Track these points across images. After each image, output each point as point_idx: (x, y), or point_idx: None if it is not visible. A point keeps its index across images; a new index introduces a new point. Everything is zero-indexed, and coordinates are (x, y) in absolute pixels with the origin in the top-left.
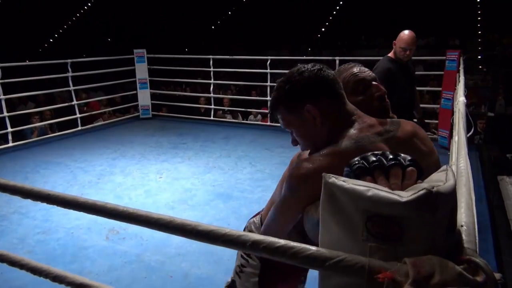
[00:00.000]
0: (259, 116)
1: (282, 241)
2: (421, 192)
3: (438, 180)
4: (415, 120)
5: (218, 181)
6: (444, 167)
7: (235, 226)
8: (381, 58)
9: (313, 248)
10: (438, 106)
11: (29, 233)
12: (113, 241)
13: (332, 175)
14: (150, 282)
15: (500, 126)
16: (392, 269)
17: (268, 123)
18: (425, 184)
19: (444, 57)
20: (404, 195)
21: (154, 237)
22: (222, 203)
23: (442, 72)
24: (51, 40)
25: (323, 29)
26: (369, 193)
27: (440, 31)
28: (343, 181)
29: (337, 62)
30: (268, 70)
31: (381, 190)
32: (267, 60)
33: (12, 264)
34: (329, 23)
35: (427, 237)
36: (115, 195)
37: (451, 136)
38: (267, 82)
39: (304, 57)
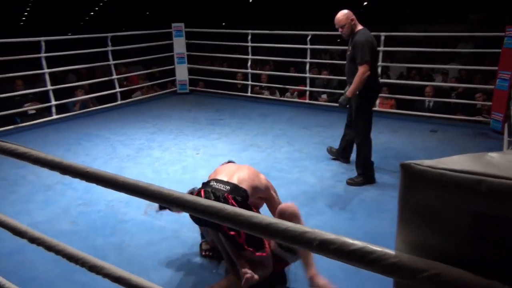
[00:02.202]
0: (296, 94)
1: (358, 243)
2: None
3: None
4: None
5: (255, 160)
6: None
7: None
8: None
9: (401, 255)
10: (493, 87)
11: (71, 204)
12: (151, 216)
13: (417, 162)
14: (187, 259)
15: None
16: None
17: (307, 101)
18: None
19: (502, 34)
20: None
21: None
22: None
23: (497, 50)
24: (91, 13)
25: (365, 3)
26: (483, 187)
27: (492, 6)
28: (440, 168)
29: (382, 38)
30: (308, 46)
31: (501, 179)
32: (307, 35)
33: (49, 249)
34: None
35: None
36: (153, 170)
37: (506, 119)
38: (306, 59)
39: None
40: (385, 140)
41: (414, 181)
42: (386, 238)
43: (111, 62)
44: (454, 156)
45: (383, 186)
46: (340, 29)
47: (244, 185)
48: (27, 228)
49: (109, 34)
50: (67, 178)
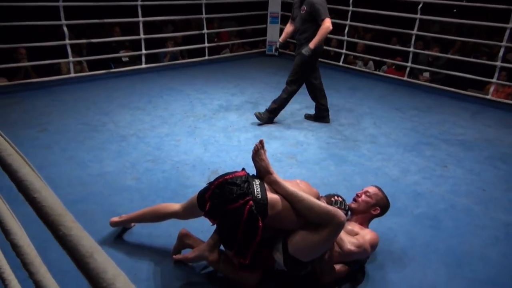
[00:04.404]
0: (385, 67)
1: None
2: None
3: None
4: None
5: (334, 139)
6: None
7: (344, 195)
8: None
9: None
10: None
11: (140, 159)
12: None
13: None
14: None
15: None
16: None
17: (404, 78)
18: None
19: None
20: None
21: None
22: (333, 166)
23: None
24: None
25: None
26: None
27: None
28: None
29: None
30: (418, 16)
31: None
32: (418, 3)
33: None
34: None
35: None
36: (225, 135)
37: None
38: (413, 30)
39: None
40: (492, 136)
41: None
42: (474, 261)
43: (204, 15)
44: None
45: (480, 194)
46: None
47: (271, 211)
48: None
49: None
50: (143, 131)
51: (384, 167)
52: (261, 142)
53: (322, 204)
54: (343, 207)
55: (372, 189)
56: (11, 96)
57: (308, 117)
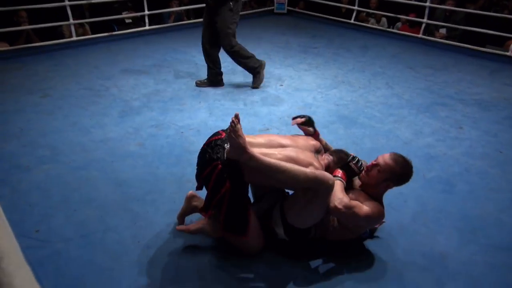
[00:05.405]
0: (399, 24)
1: None
2: None
3: None
4: None
5: (344, 100)
6: None
7: None
8: None
9: None
10: None
11: (144, 124)
12: None
13: None
14: None
15: None
16: None
17: (419, 35)
18: None
19: None
20: None
21: None
22: (343, 128)
23: None
24: None
25: None
26: None
27: None
28: None
29: None
30: None
31: None
32: None
33: None
34: None
35: None
36: (231, 98)
37: None
38: None
39: None
40: (511, 95)
41: None
42: (488, 226)
43: None
44: None
45: (497, 157)
46: None
47: (246, 165)
48: None
49: None
50: (146, 95)
51: (396, 129)
52: (236, 116)
53: (308, 170)
54: (359, 165)
55: (383, 161)
56: (12, 61)
57: (199, 83)
